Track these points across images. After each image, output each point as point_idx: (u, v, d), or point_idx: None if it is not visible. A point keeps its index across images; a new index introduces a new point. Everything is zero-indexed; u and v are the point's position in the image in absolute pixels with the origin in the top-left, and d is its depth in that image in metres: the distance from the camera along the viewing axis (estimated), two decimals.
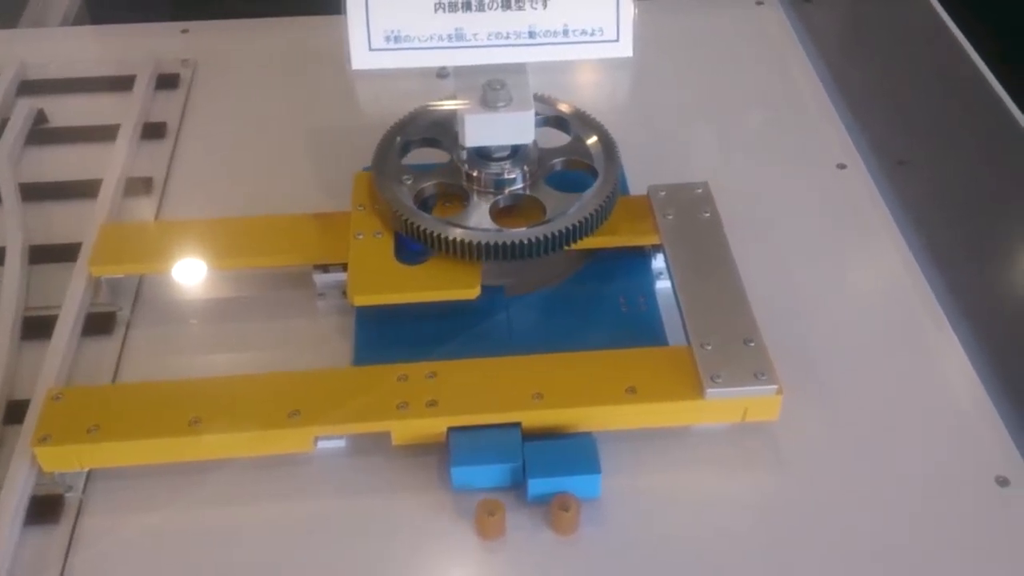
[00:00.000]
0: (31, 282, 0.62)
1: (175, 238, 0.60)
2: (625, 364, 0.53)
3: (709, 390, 0.51)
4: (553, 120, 0.63)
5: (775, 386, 0.51)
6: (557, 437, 0.51)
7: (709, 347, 0.52)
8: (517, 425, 0.50)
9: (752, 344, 0.52)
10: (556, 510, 0.48)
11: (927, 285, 0.62)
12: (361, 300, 0.56)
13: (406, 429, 0.51)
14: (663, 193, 0.62)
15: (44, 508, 0.50)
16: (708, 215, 0.60)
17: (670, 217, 0.60)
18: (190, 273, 0.61)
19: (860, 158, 0.72)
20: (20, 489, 0.49)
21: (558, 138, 0.63)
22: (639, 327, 0.58)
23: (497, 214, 0.58)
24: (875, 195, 0.69)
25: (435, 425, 0.50)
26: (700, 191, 0.62)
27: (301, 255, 0.60)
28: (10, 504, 0.49)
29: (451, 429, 0.51)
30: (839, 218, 0.67)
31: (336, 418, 0.50)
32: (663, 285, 0.61)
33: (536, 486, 0.49)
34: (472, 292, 0.56)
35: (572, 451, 0.50)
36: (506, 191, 0.59)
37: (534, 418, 0.51)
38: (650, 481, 0.52)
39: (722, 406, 0.51)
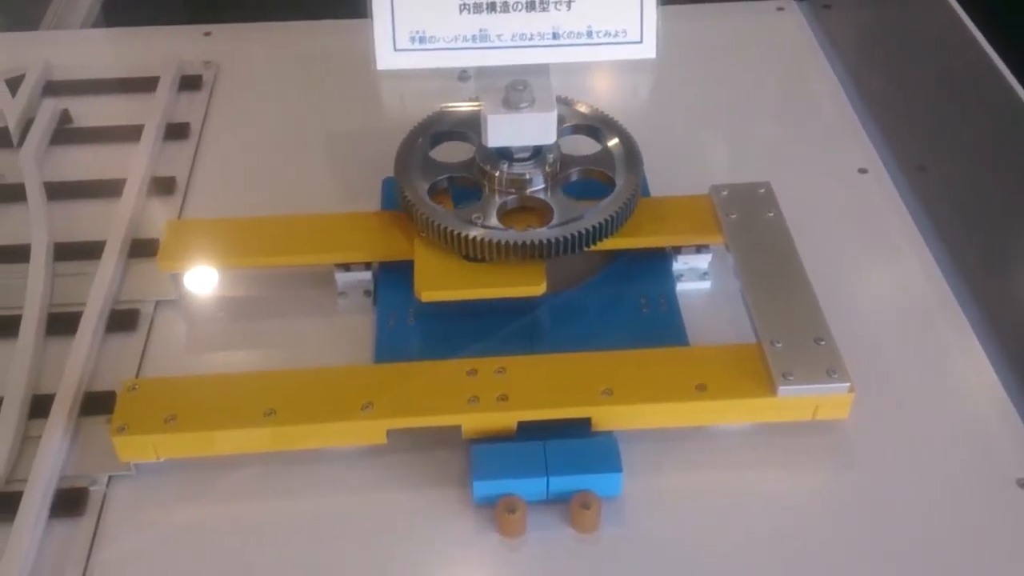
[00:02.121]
0: (56, 279, 0.62)
1: (239, 234, 0.60)
2: (694, 361, 0.53)
3: (782, 387, 0.51)
4: (583, 128, 0.63)
5: (847, 384, 0.51)
6: (578, 436, 0.51)
7: (780, 345, 0.52)
8: (542, 442, 0.50)
9: (823, 343, 0.52)
10: (577, 508, 0.48)
11: (948, 289, 0.62)
12: (428, 296, 0.56)
13: (477, 423, 0.51)
14: (725, 193, 0.62)
15: (69, 501, 0.50)
16: (772, 215, 0.60)
17: (733, 217, 0.60)
18: (245, 270, 0.61)
19: (881, 163, 0.72)
20: (46, 482, 0.50)
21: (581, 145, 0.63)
22: (660, 328, 0.58)
23: (504, 216, 0.58)
24: (896, 200, 0.69)
25: (506, 419, 0.51)
26: (763, 191, 0.62)
27: (366, 252, 0.60)
28: (36, 496, 0.49)
29: (473, 443, 0.51)
30: (860, 222, 0.67)
31: (408, 411, 0.51)
32: (683, 287, 0.62)
33: (557, 484, 0.49)
34: (537, 289, 0.56)
35: (593, 450, 0.50)
36: (526, 191, 0.59)
37: (603, 414, 0.51)
38: (671, 481, 0.52)
39: (793, 404, 0.51)
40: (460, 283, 0.56)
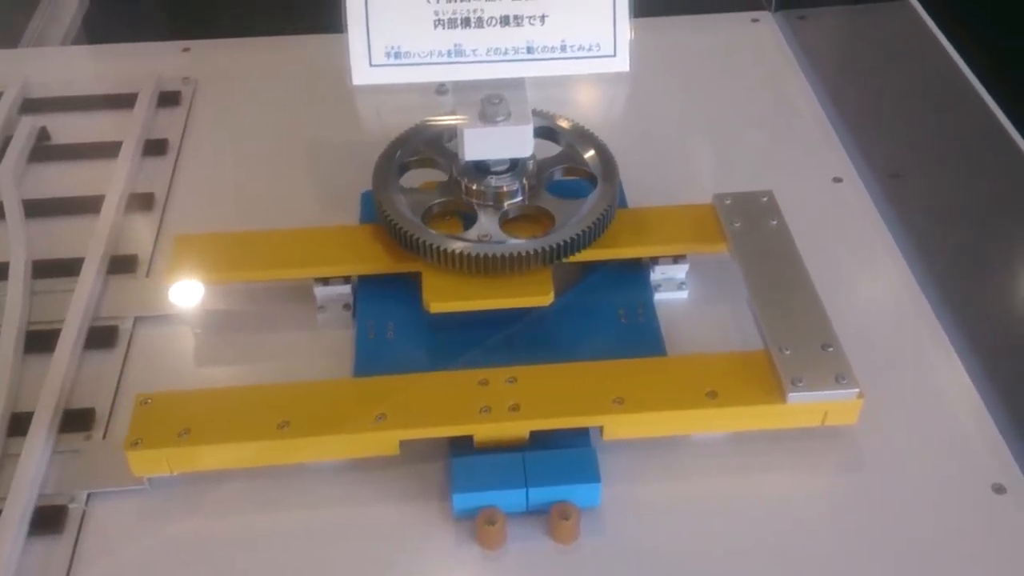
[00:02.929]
0: (34, 296, 0.62)
1: (246, 248, 0.60)
2: (704, 369, 0.53)
3: (791, 394, 0.51)
4: (544, 131, 0.64)
5: (856, 390, 0.51)
6: (557, 447, 0.51)
7: (788, 352, 0.53)
8: (520, 452, 0.50)
9: (831, 349, 0.53)
10: (556, 519, 0.49)
11: (923, 295, 0.63)
12: (437, 307, 0.56)
13: (488, 433, 0.51)
14: (728, 202, 0.62)
15: (48, 519, 0.50)
16: (775, 223, 0.61)
17: (737, 225, 0.61)
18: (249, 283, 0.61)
19: (855, 171, 0.73)
20: (24, 500, 0.50)
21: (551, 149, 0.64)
22: (638, 338, 0.58)
23: (504, 225, 0.59)
24: (870, 208, 0.70)
25: (518, 428, 0.51)
26: (766, 199, 0.63)
27: (370, 264, 0.60)
28: (15, 514, 0.49)
29: (452, 456, 0.51)
30: (835, 231, 0.68)
31: (421, 422, 0.51)
32: (661, 297, 0.62)
33: (536, 495, 0.49)
34: (545, 299, 0.57)
35: (572, 460, 0.50)
36: (506, 204, 0.59)
37: (615, 422, 0.51)
38: (650, 490, 0.52)
39: (802, 410, 0.52)
40: (468, 295, 0.56)
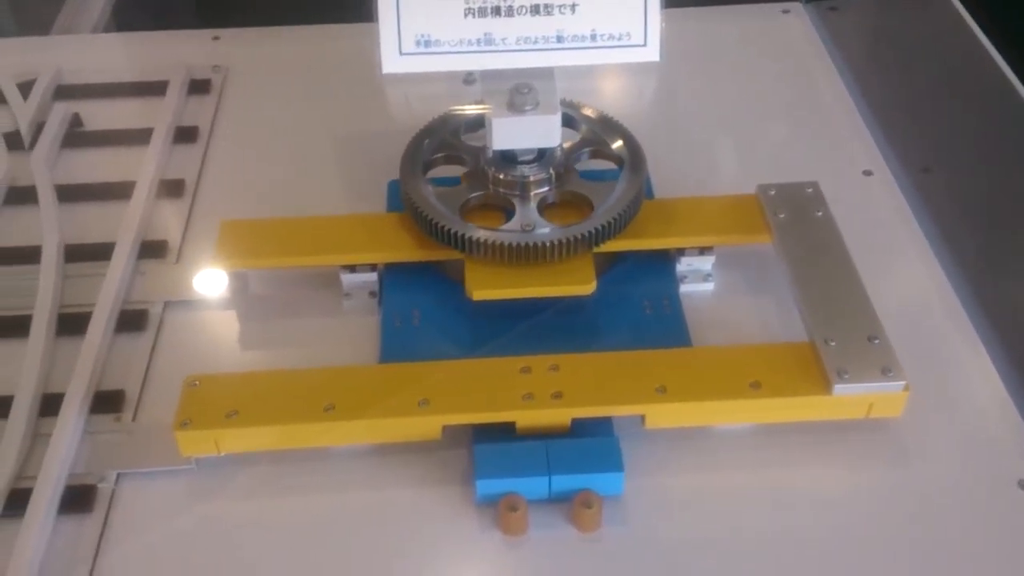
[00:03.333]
0: (66, 280, 0.63)
1: (292, 234, 0.61)
2: (747, 359, 0.53)
3: (837, 386, 0.51)
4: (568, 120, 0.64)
5: (903, 382, 0.51)
6: (581, 436, 0.51)
7: (833, 343, 0.52)
8: (544, 441, 0.51)
9: (877, 341, 0.53)
10: (579, 507, 0.49)
11: (951, 290, 0.62)
12: (480, 295, 0.56)
13: (531, 420, 0.51)
14: (773, 192, 0.62)
15: (78, 498, 0.51)
16: (821, 214, 0.60)
17: (782, 216, 0.60)
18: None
19: (886, 165, 0.72)
20: (55, 479, 0.51)
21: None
22: (662, 329, 0.58)
23: (544, 212, 0.59)
24: (901, 202, 0.69)
25: (560, 416, 0.51)
26: (811, 190, 0.62)
27: (417, 252, 0.60)
28: (45, 493, 0.50)
29: (476, 443, 0.51)
30: (865, 224, 0.67)
31: (464, 407, 0.51)
32: (687, 288, 0.62)
33: (559, 483, 0.49)
34: (587, 288, 0.57)
35: (595, 449, 0.50)
36: (536, 192, 0.59)
37: (657, 411, 0.52)
38: (673, 480, 0.52)
39: (848, 402, 0.52)
40: (511, 283, 0.57)
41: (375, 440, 0.53)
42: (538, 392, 0.51)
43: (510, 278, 0.57)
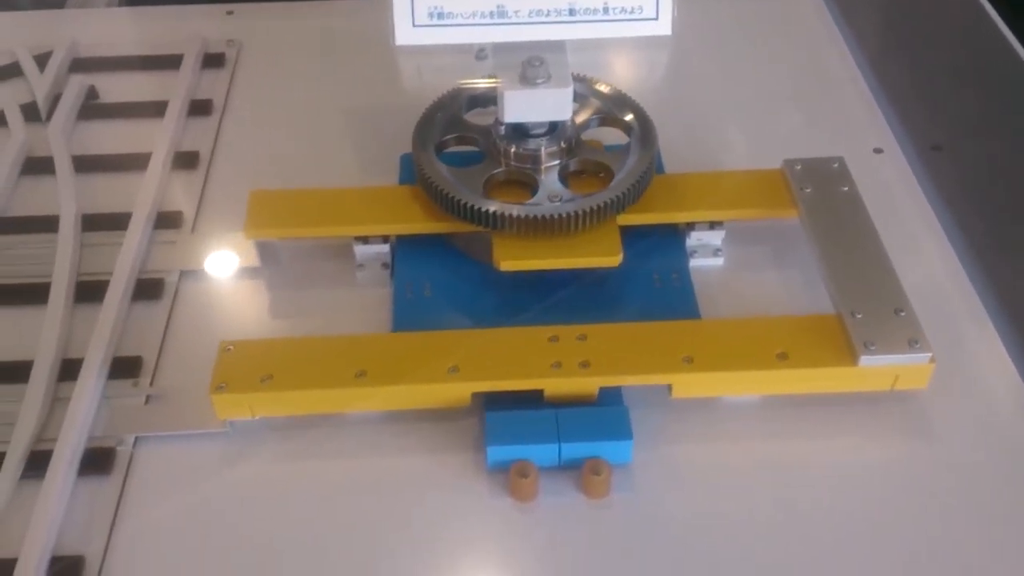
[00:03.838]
0: (83, 249, 0.64)
1: (320, 204, 0.61)
2: (774, 330, 0.54)
3: (863, 357, 0.52)
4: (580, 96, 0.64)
5: (929, 354, 0.52)
6: (590, 404, 0.52)
7: (860, 315, 0.53)
8: (553, 409, 0.51)
9: (903, 314, 0.53)
10: (588, 474, 0.50)
11: (961, 269, 0.63)
12: (507, 265, 0.57)
13: (559, 387, 0.52)
14: (799, 167, 0.62)
15: (97, 460, 0.52)
16: (847, 189, 0.61)
17: (808, 191, 0.61)
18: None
19: (896, 143, 0.72)
20: (75, 441, 0.52)
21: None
22: (671, 302, 0.59)
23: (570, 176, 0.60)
24: (911, 179, 0.69)
25: (588, 384, 0.52)
26: (836, 165, 0.63)
27: (438, 224, 0.60)
28: (65, 454, 0.51)
29: (487, 411, 0.52)
30: (875, 202, 0.67)
31: (493, 375, 0.52)
32: (696, 263, 0.62)
33: (569, 450, 0.50)
34: (614, 260, 0.57)
35: (604, 418, 0.51)
36: (555, 162, 0.60)
37: (684, 381, 0.52)
38: (681, 449, 0.53)
39: (874, 373, 0.52)
40: (538, 253, 0.57)
41: (405, 406, 0.53)
42: (566, 361, 0.52)
43: (537, 249, 0.57)
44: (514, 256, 0.57)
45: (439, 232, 0.61)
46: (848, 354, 0.52)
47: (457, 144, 0.63)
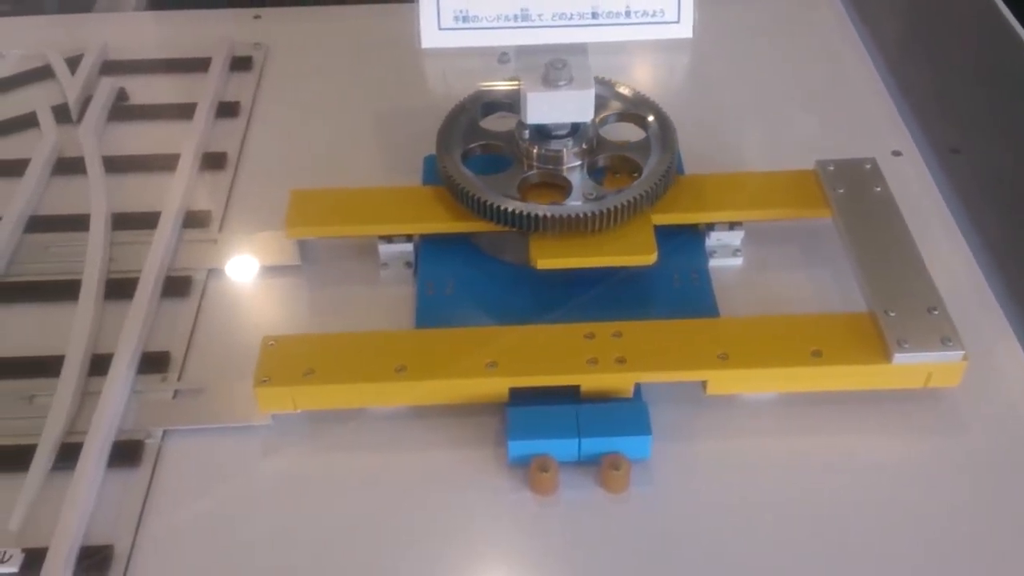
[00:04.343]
0: (113, 247, 0.65)
1: (357, 203, 0.63)
2: (808, 328, 0.54)
3: (897, 355, 0.52)
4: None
5: (961, 352, 0.52)
6: (610, 400, 0.53)
7: (893, 314, 0.54)
8: (573, 405, 0.52)
9: (936, 312, 0.54)
10: (607, 469, 0.50)
11: (979, 271, 0.63)
12: (544, 264, 0.58)
13: (595, 383, 0.53)
14: (831, 168, 0.63)
15: (126, 452, 0.53)
16: (879, 190, 0.62)
17: (841, 191, 0.61)
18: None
19: (915, 145, 0.72)
20: (104, 434, 0.53)
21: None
22: (691, 302, 0.60)
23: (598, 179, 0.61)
24: (929, 182, 0.70)
25: (624, 380, 0.53)
26: (869, 167, 0.63)
27: (473, 223, 0.60)
28: (95, 447, 0.52)
29: (509, 406, 0.53)
30: None
31: (530, 370, 0.53)
32: (716, 263, 0.63)
33: (588, 445, 0.51)
34: (649, 258, 0.58)
35: (624, 413, 0.52)
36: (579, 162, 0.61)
37: (719, 377, 0.53)
38: (700, 445, 0.53)
39: (906, 371, 0.53)
40: (574, 252, 0.58)
41: (444, 400, 0.54)
42: (602, 357, 0.53)
43: (572, 248, 0.58)
44: (551, 255, 0.58)
45: (464, 232, 0.62)
46: (881, 352, 0.53)
47: (483, 151, 0.64)
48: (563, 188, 0.60)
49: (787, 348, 0.53)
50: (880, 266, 0.57)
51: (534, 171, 0.61)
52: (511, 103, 0.64)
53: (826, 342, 0.53)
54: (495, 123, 0.66)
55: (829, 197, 0.61)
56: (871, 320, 0.54)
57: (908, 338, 0.53)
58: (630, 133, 0.65)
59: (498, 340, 0.54)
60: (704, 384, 0.53)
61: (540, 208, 0.58)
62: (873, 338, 0.53)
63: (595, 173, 0.62)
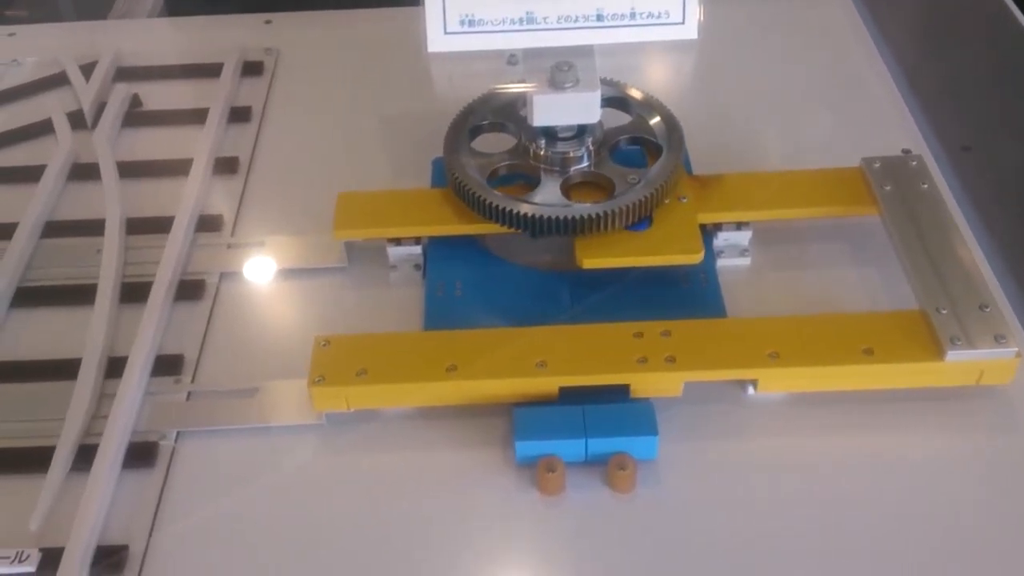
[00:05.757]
0: (128, 251, 0.66)
1: (404, 205, 0.63)
2: (858, 326, 0.54)
3: (950, 352, 0.52)
4: (616, 101, 0.65)
5: (1015, 349, 0.52)
6: (617, 401, 0.53)
7: (945, 312, 0.54)
8: (581, 405, 0.52)
9: (988, 309, 0.54)
10: (614, 469, 0.51)
11: (990, 269, 0.62)
12: (590, 263, 0.58)
13: (645, 382, 0.53)
14: (877, 165, 0.63)
15: (141, 453, 0.54)
16: (927, 187, 0.62)
17: (888, 188, 0.61)
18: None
19: (925, 144, 0.72)
20: (120, 435, 0.54)
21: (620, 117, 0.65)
22: (698, 302, 0.60)
23: (568, 191, 0.60)
24: (939, 180, 0.69)
25: (674, 379, 0.53)
26: (915, 163, 0.63)
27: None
28: (111, 448, 0.53)
29: (515, 407, 0.53)
30: None
31: (580, 369, 0.53)
32: (723, 263, 0.63)
33: (595, 445, 0.51)
34: (695, 257, 0.58)
35: (630, 414, 0.52)
36: (571, 169, 0.61)
37: (770, 376, 0.53)
38: (706, 446, 0.53)
39: (959, 369, 0.53)
40: (619, 251, 0.58)
41: (495, 400, 0.54)
42: (652, 356, 0.53)
43: (619, 247, 0.58)
44: (596, 255, 0.58)
45: (472, 233, 0.62)
46: (934, 349, 0.53)
47: (491, 129, 0.65)
48: (604, 187, 0.60)
49: (838, 346, 0.53)
50: (930, 263, 0.57)
51: (505, 163, 0.61)
52: (512, 111, 0.64)
53: (877, 340, 0.53)
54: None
55: (876, 195, 0.61)
56: (922, 318, 0.54)
57: (960, 335, 0.52)
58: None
59: (547, 340, 0.54)
60: (754, 383, 0.54)
61: (587, 208, 0.57)
62: (924, 336, 0.53)
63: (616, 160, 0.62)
